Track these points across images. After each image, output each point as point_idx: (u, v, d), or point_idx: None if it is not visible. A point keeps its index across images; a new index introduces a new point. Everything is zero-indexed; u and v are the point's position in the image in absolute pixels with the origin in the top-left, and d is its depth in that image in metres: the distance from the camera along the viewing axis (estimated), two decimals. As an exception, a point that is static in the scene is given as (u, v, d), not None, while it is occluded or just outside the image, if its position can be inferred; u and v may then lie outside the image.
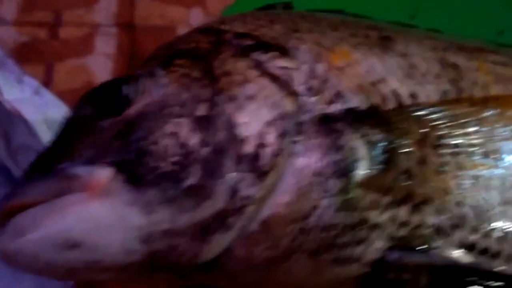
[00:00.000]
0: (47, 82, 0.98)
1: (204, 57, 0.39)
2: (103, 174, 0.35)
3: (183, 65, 0.39)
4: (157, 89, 0.38)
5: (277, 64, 0.39)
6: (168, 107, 0.37)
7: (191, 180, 0.35)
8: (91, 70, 0.99)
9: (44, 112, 0.71)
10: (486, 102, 0.40)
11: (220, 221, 0.35)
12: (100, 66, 1.00)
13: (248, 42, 0.40)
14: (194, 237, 0.35)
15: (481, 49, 0.44)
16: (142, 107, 0.37)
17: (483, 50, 0.44)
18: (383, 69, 0.40)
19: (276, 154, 0.36)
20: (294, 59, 0.39)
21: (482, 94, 0.40)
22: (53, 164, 0.36)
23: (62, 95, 1.00)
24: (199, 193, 0.35)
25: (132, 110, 0.37)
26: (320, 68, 0.39)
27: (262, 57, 0.39)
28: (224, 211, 0.35)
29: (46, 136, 0.69)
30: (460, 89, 0.40)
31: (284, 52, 0.39)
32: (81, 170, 0.36)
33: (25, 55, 0.98)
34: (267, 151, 0.36)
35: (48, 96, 0.77)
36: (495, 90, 0.41)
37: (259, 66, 0.38)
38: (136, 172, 0.35)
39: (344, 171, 0.36)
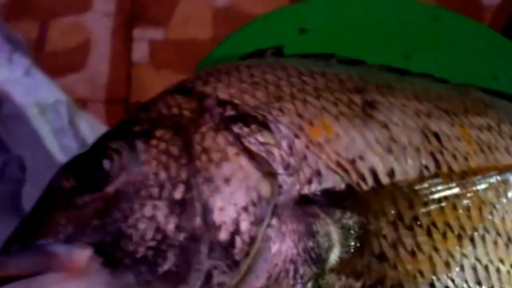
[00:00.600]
0: (41, 41, 0.96)
1: (185, 129, 0.39)
2: (81, 255, 0.36)
3: (163, 139, 0.39)
4: (136, 166, 0.38)
5: (257, 139, 0.39)
6: (146, 188, 0.37)
7: (167, 265, 0.36)
8: (89, 28, 0.96)
9: (34, 95, 0.70)
10: (464, 176, 0.40)
11: None
12: (98, 24, 0.97)
13: (230, 112, 0.40)
14: None
15: (466, 110, 0.43)
16: (121, 185, 0.37)
17: (468, 112, 0.43)
18: (362, 143, 0.39)
19: (250, 242, 0.36)
20: (274, 134, 0.39)
21: (462, 167, 0.40)
22: (33, 238, 0.37)
23: (57, 55, 0.99)
24: (174, 278, 0.36)
25: (111, 188, 0.37)
26: (300, 143, 0.39)
27: (243, 130, 0.39)
28: None
29: (37, 120, 0.69)
30: (439, 162, 0.40)
31: (264, 125, 0.39)
32: (59, 249, 0.36)
33: (18, 11, 0.95)
34: (241, 239, 0.36)
35: (39, 77, 0.75)
36: (476, 161, 0.41)
37: (238, 141, 0.38)
38: (113, 255, 0.36)
39: (317, 258, 0.37)
